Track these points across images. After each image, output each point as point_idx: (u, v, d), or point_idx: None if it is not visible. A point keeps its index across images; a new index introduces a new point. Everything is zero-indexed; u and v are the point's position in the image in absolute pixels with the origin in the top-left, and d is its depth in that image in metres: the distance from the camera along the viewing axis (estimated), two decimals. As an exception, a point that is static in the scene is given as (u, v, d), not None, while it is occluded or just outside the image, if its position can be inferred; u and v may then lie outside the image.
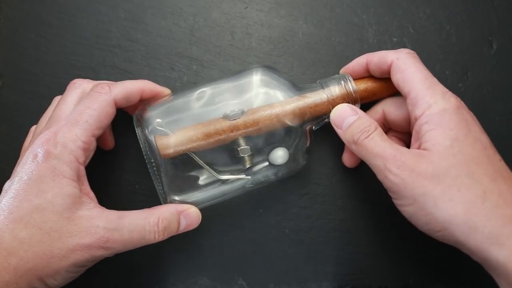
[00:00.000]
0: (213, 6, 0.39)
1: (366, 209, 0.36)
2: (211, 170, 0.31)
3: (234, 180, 0.32)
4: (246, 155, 0.31)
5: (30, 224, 0.27)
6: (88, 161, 0.31)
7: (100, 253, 0.28)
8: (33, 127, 0.35)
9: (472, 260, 0.29)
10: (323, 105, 0.32)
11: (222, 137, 0.31)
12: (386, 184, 0.29)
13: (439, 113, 0.28)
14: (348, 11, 0.39)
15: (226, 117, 0.31)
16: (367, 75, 0.34)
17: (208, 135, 0.30)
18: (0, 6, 0.38)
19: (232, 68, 0.38)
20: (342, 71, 0.35)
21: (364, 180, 0.37)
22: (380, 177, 0.30)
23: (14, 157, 0.33)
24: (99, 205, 0.30)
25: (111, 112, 0.31)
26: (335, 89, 0.32)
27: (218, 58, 0.38)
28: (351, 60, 0.38)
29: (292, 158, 0.32)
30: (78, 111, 0.30)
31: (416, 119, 0.30)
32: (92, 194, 0.30)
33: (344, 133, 0.32)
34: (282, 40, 0.38)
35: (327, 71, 0.38)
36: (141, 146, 0.32)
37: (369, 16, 0.39)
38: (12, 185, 0.28)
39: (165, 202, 0.31)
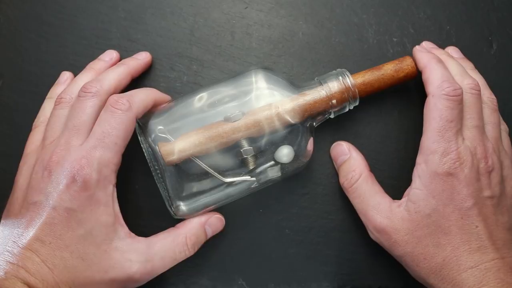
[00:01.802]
0: (213, 6, 0.39)
1: (366, 209, 0.36)
2: (216, 173, 0.31)
3: (239, 182, 0.32)
4: (249, 156, 0.31)
5: (75, 253, 0.27)
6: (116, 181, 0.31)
7: (134, 285, 0.30)
8: (38, 122, 0.34)
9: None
10: (322, 101, 0.33)
11: (224, 140, 0.31)
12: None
13: (430, 174, 0.30)
14: (348, 11, 0.39)
15: (227, 119, 0.31)
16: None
17: (210, 139, 0.30)
18: (0, 6, 0.38)
19: (232, 68, 0.38)
20: (414, 49, 0.35)
21: (364, 180, 0.37)
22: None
23: (14, 157, 0.33)
24: (128, 232, 0.31)
25: (133, 128, 0.31)
26: (333, 85, 0.33)
27: (218, 58, 0.38)
28: (351, 60, 0.38)
29: (296, 155, 0.32)
30: (105, 132, 0.30)
31: (416, 165, 0.31)
32: (120, 214, 0.31)
33: (338, 171, 0.36)
34: (282, 40, 0.38)
35: (327, 71, 0.38)
36: (145, 153, 0.33)
37: (369, 16, 0.39)
38: (48, 208, 0.28)
39: (171, 207, 0.31)
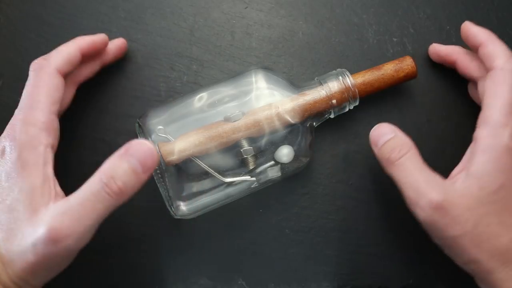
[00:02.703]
0: (213, 6, 0.39)
1: (366, 209, 0.36)
2: (216, 173, 0.31)
3: (239, 182, 0.32)
4: (249, 156, 0.31)
5: (4, 226, 0.27)
6: (56, 142, 0.30)
7: (63, 245, 0.26)
8: None
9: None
10: (322, 101, 0.33)
11: (224, 140, 0.31)
12: (417, 216, 0.29)
13: (500, 148, 0.28)
14: (348, 11, 0.39)
15: (227, 119, 0.31)
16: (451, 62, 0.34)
17: (210, 139, 0.30)
18: (0, 6, 0.38)
19: (232, 68, 0.38)
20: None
21: (364, 180, 0.37)
22: (410, 207, 0.30)
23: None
24: (60, 194, 0.28)
25: (57, 82, 0.30)
26: (333, 85, 0.33)
27: (218, 58, 0.38)
28: (351, 60, 0.38)
29: (296, 155, 0.32)
30: (28, 94, 0.29)
31: (477, 139, 0.29)
32: (56, 183, 0.28)
33: (379, 151, 0.31)
34: (282, 40, 0.38)
35: (327, 71, 0.38)
36: None
37: (369, 16, 0.39)
38: None
39: (171, 207, 0.31)
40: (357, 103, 0.34)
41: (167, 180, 0.30)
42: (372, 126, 0.37)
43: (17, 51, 0.38)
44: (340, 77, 0.33)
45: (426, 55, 0.38)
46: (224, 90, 0.32)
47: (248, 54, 0.38)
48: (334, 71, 0.34)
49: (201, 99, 0.32)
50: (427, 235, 0.30)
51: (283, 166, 0.32)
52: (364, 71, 0.34)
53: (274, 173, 0.33)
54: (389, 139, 0.31)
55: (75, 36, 0.38)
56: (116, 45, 0.36)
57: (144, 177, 0.27)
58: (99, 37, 0.34)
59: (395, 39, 0.38)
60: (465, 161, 0.30)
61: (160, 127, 0.31)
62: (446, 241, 0.29)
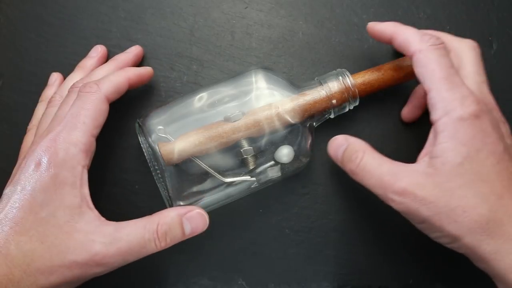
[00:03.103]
0: (213, 6, 0.39)
1: (366, 209, 0.36)
2: (216, 173, 0.31)
3: (239, 182, 0.32)
4: (249, 156, 0.31)
5: (34, 237, 0.27)
6: (90, 163, 0.31)
7: (98, 270, 0.28)
8: (31, 125, 0.35)
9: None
10: (322, 101, 0.33)
11: (224, 139, 0.31)
12: (395, 209, 0.29)
13: (454, 123, 0.27)
14: (348, 11, 0.39)
15: (227, 119, 0.31)
16: (390, 44, 0.34)
17: (210, 139, 0.30)
18: (0, 6, 0.38)
19: (232, 68, 0.38)
20: (368, 27, 0.34)
21: (364, 180, 0.37)
22: (385, 202, 0.30)
23: (14, 157, 0.33)
24: (98, 215, 0.29)
25: (104, 109, 0.31)
26: (333, 85, 0.33)
27: (218, 58, 0.38)
28: (351, 60, 0.38)
29: (296, 155, 0.32)
30: (74, 114, 0.30)
31: (433, 123, 0.29)
32: (88, 198, 0.30)
33: (342, 165, 0.32)
34: (282, 40, 0.38)
35: (327, 71, 0.38)
36: (145, 153, 0.33)
37: (369, 16, 0.39)
38: (15, 194, 0.28)
39: (171, 207, 0.31)
40: (357, 103, 0.34)
41: (167, 180, 0.30)
42: (372, 126, 0.37)
43: (17, 51, 0.38)
44: (340, 77, 0.33)
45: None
46: (224, 90, 0.32)
47: (248, 54, 0.38)
48: (334, 71, 0.34)
49: (201, 99, 0.32)
50: (428, 236, 0.30)
51: (283, 166, 0.32)
52: (364, 71, 0.34)
53: (274, 173, 0.33)
54: (344, 150, 0.31)
55: (75, 36, 0.38)
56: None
57: (184, 239, 0.30)
58: (146, 70, 0.35)
59: (395, 39, 0.38)
60: (427, 147, 0.30)
61: (160, 127, 0.31)
62: (426, 224, 0.28)
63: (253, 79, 0.32)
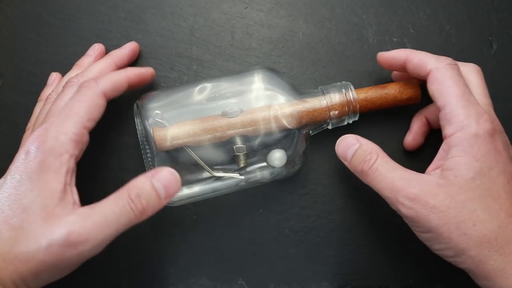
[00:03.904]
0: (213, 6, 0.39)
1: (366, 209, 0.36)
2: (205, 166, 0.31)
3: (228, 178, 0.32)
4: (241, 154, 0.31)
5: (16, 224, 0.27)
6: (80, 155, 0.31)
7: (78, 250, 0.27)
8: (29, 125, 0.35)
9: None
10: (321, 111, 0.33)
11: (219, 134, 0.31)
12: (400, 214, 0.29)
13: (469, 138, 0.28)
14: (348, 11, 0.39)
15: (224, 114, 0.31)
16: (402, 71, 0.34)
17: (205, 131, 0.31)
18: (0, 6, 0.38)
19: (232, 68, 0.38)
20: (378, 56, 0.35)
21: (364, 180, 0.37)
22: (393, 207, 0.30)
23: (14, 157, 0.33)
24: (77, 203, 0.29)
25: (101, 104, 0.31)
26: (335, 96, 0.33)
27: (218, 58, 0.38)
28: (351, 60, 0.38)
29: (288, 161, 0.32)
30: (69, 106, 0.30)
31: (446, 137, 0.29)
32: (75, 192, 0.29)
33: (350, 165, 0.32)
34: (282, 40, 0.38)
35: (327, 71, 0.38)
36: (138, 135, 0.33)
37: (369, 16, 0.39)
38: (5, 184, 0.28)
39: None
40: (356, 118, 0.34)
41: (156, 165, 0.30)
42: (372, 127, 0.37)
43: (17, 51, 0.38)
44: (343, 90, 0.33)
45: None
46: (226, 85, 0.33)
47: (248, 54, 0.38)
48: (339, 82, 0.34)
49: (202, 90, 0.32)
50: (429, 247, 0.30)
51: (272, 169, 0.32)
52: (369, 87, 0.34)
53: (263, 175, 0.33)
54: (356, 150, 0.31)
55: (75, 36, 0.38)
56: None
57: (163, 202, 0.29)
58: (147, 70, 0.35)
59: (395, 39, 0.38)
60: (437, 160, 0.30)
61: (158, 111, 0.31)
62: (432, 233, 0.28)
63: (256, 78, 0.32)
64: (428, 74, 0.31)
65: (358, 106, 0.33)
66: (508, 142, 0.30)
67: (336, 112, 0.33)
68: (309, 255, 0.36)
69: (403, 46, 0.38)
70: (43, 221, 0.27)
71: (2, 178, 0.29)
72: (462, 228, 0.27)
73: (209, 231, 0.36)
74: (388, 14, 0.39)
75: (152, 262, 0.36)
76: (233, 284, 0.36)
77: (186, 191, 0.32)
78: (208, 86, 0.32)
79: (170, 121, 0.31)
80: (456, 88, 0.29)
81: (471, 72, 0.33)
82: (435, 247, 0.29)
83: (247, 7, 0.39)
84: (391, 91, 0.34)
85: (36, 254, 0.26)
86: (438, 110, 0.30)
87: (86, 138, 0.30)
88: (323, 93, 0.33)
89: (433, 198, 0.28)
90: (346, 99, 0.33)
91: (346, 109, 0.33)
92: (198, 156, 0.31)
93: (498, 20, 0.39)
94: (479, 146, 0.28)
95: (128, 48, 0.37)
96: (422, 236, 0.30)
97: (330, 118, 0.33)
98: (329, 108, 0.33)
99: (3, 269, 0.26)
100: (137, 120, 0.33)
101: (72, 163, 0.29)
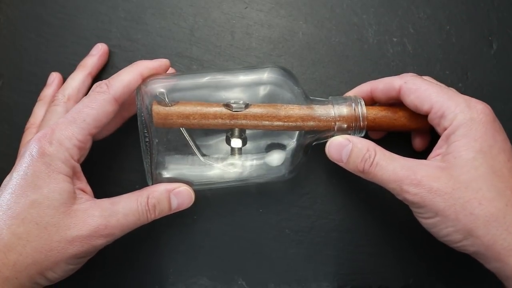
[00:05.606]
0: (213, 6, 0.39)
1: (366, 209, 0.36)
2: (198, 152, 0.31)
3: (219, 169, 0.32)
4: (237, 148, 0.31)
5: (27, 219, 0.27)
6: (83, 159, 0.31)
7: (100, 242, 0.29)
8: (29, 124, 0.35)
9: (473, 260, 0.29)
10: (327, 121, 0.32)
11: (218, 122, 0.30)
12: (407, 202, 0.29)
13: (466, 123, 0.28)
14: (348, 11, 0.39)
15: (229, 105, 0.31)
16: (371, 103, 0.34)
17: (205, 116, 0.30)
18: (0, 6, 0.38)
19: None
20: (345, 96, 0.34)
21: (364, 180, 0.37)
22: (399, 197, 0.30)
23: (14, 157, 0.33)
24: (92, 198, 0.30)
25: (111, 110, 0.31)
26: (343, 109, 0.32)
27: (218, 58, 0.38)
28: (351, 60, 0.38)
29: (285, 164, 0.32)
30: (77, 110, 0.30)
31: (444, 130, 0.29)
32: (88, 188, 0.31)
33: (347, 166, 0.32)
34: (282, 40, 0.38)
35: (327, 71, 0.38)
36: (138, 120, 0.32)
37: (369, 16, 0.39)
38: (10, 181, 0.28)
39: (151, 178, 0.31)
40: (362, 135, 0.32)
41: (153, 145, 0.30)
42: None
43: (17, 51, 0.38)
44: (353, 105, 0.32)
45: (426, 56, 0.38)
46: (236, 77, 0.32)
47: (248, 54, 0.38)
48: (350, 96, 0.33)
49: (211, 79, 0.32)
50: (427, 235, 0.30)
51: (269, 168, 0.32)
52: (380, 107, 0.33)
53: (256, 173, 0.32)
54: (351, 150, 0.31)
55: (75, 36, 0.38)
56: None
57: (170, 212, 0.31)
58: (161, 63, 0.33)
59: (395, 39, 0.38)
60: (436, 149, 0.30)
61: (162, 90, 0.31)
62: (439, 217, 0.28)
63: (267, 75, 0.32)
64: (399, 90, 0.31)
65: (366, 124, 0.32)
66: (501, 126, 0.30)
67: (345, 125, 0.32)
68: (309, 255, 0.36)
69: (403, 46, 0.38)
70: (63, 215, 0.28)
71: (8, 176, 0.29)
72: (468, 208, 0.27)
73: (209, 231, 0.36)
74: (388, 14, 0.39)
75: (152, 262, 0.36)
76: (233, 284, 0.36)
77: (177, 176, 0.32)
78: (218, 76, 0.32)
79: (172, 101, 0.30)
80: (433, 88, 0.30)
81: (430, 79, 0.34)
82: (443, 232, 0.28)
83: (247, 7, 0.39)
84: (401, 118, 0.33)
85: (58, 245, 0.27)
86: (425, 114, 0.31)
87: (89, 144, 0.31)
88: (332, 104, 0.32)
89: (436, 181, 0.28)
90: (354, 115, 0.32)
91: (353, 125, 0.32)
92: (194, 142, 0.31)
93: (498, 20, 0.39)
94: (476, 127, 0.28)
95: (98, 55, 0.36)
96: (429, 223, 0.29)
97: (335, 130, 0.32)
98: (335, 120, 0.32)
99: (19, 263, 0.27)
100: (138, 102, 0.31)
101: (77, 167, 0.30)
